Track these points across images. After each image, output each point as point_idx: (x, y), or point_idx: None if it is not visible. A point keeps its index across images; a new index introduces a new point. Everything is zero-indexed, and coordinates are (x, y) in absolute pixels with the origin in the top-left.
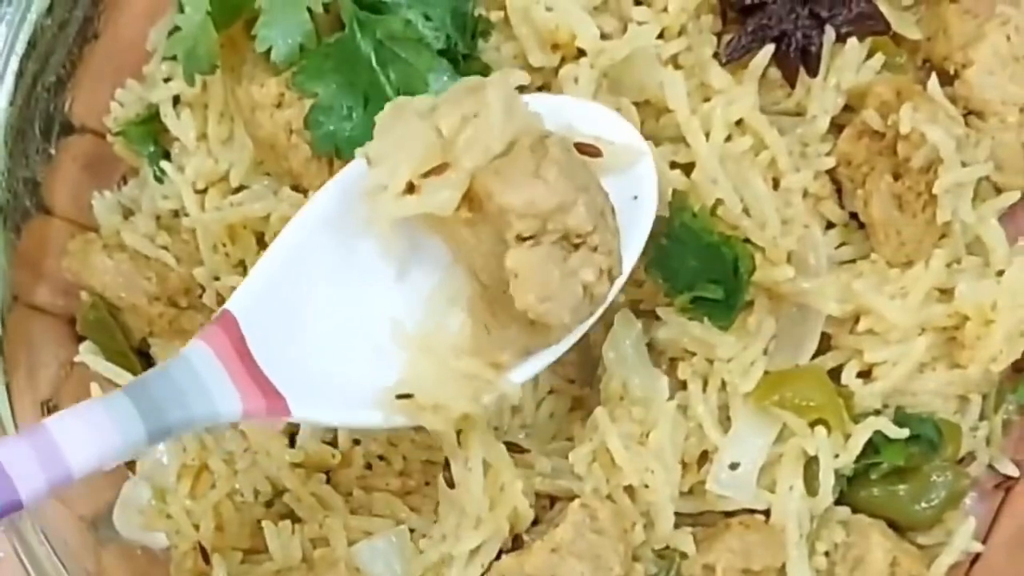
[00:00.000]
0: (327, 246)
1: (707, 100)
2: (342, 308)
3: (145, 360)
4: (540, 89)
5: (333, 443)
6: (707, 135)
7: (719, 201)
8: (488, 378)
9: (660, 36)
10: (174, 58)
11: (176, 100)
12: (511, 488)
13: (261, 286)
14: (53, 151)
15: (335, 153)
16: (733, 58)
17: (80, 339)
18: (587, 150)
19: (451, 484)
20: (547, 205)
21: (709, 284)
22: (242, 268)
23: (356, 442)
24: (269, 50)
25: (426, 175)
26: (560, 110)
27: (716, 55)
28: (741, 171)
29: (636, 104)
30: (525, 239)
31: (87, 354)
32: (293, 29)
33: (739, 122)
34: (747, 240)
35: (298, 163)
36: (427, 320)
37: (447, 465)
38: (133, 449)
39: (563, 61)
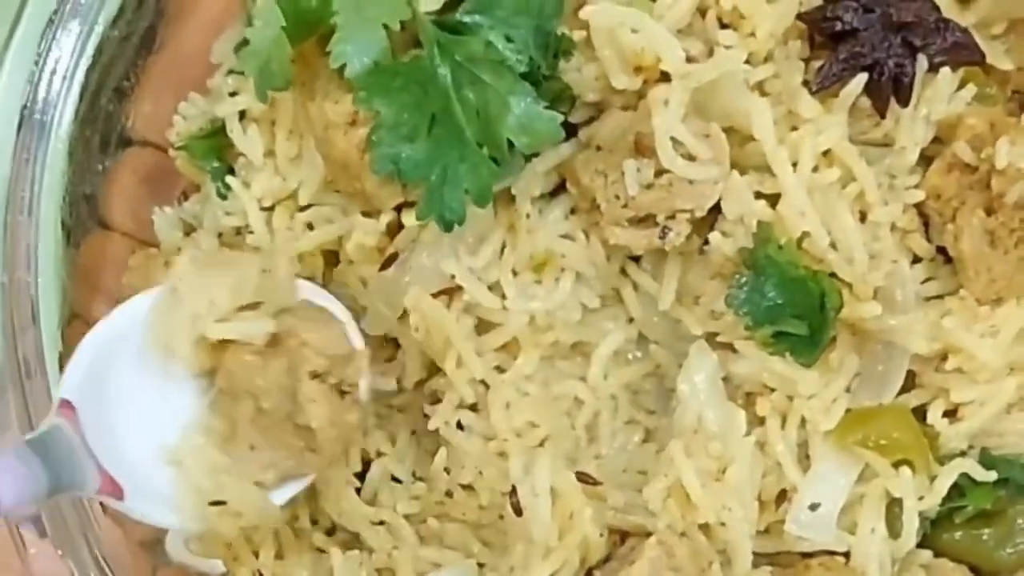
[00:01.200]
0: (130, 357)
1: (794, 128)
2: (147, 416)
3: None
4: (624, 109)
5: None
6: (794, 165)
7: (805, 234)
8: (252, 497)
9: (746, 62)
10: (242, 72)
11: (242, 115)
12: (580, 516)
13: (80, 377)
14: (112, 164)
15: (397, 174)
16: (824, 86)
17: None
18: None
19: (518, 512)
20: (339, 351)
21: (792, 319)
22: None
23: (446, 470)
24: (343, 67)
25: (240, 309)
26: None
27: (805, 82)
28: (828, 203)
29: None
30: (315, 376)
31: None
32: (369, 46)
33: (826, 152)
34: (832, 274)
35: (372, 184)
36: (195, 436)
37: (514, 491)
38: (37, 499)
39: (645, 84)
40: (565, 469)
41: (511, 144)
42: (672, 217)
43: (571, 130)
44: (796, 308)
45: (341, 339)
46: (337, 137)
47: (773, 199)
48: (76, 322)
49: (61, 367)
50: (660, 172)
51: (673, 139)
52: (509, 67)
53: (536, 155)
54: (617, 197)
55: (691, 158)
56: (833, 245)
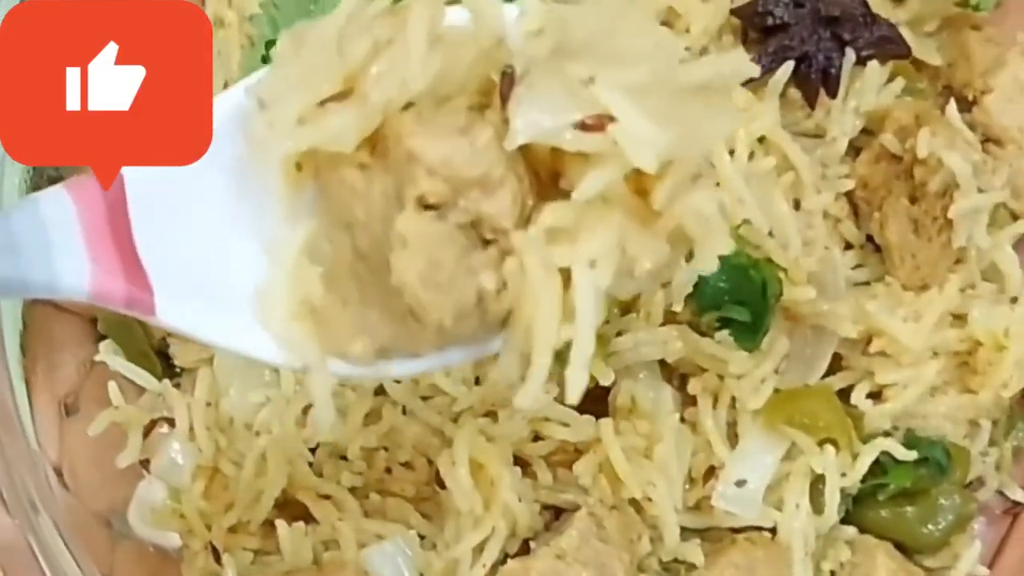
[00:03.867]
0: (225, 158)
1: None
2: (232, 232)
3: (164, 360)
4: None
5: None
6: (731, 154)
7: (745, 221)
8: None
9: None
10: None
11: None
12: (500, 483)
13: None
14: None
15: None
16: (754, 78)
17: (101, 338)
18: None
19: (442, 485)
20: (465, 171)
21: (735, 306)
22: None
23: (385, 449)
24: None
25: (323, 103)
26: None
27: None
28: (764, 191)
29: None
30: (428, 207)
31: (107, 353)
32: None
33: (761, 140)
34: (768, 260)
35: None
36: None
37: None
38: None
39: None
40: (483, 440)
41: None
42: None
43: None
44: (738, 295)
45: (486, 151)
46: None
47: None
48: (38, 304)
49: (23, 350)
50: None
51: None
52: None
53: None
54: None
55: None
56: (769, 232)
